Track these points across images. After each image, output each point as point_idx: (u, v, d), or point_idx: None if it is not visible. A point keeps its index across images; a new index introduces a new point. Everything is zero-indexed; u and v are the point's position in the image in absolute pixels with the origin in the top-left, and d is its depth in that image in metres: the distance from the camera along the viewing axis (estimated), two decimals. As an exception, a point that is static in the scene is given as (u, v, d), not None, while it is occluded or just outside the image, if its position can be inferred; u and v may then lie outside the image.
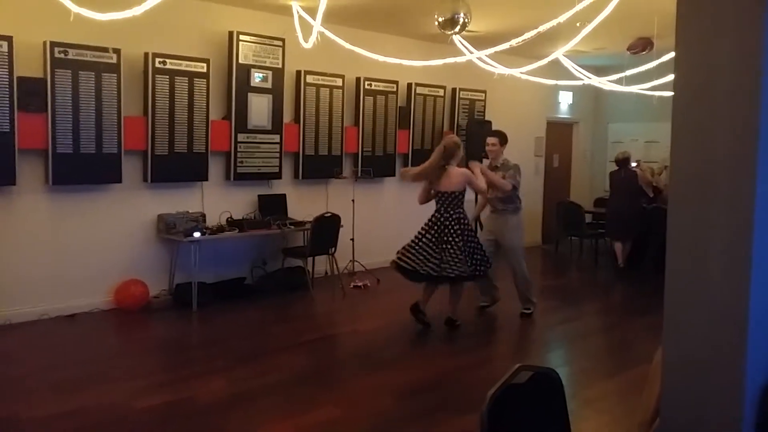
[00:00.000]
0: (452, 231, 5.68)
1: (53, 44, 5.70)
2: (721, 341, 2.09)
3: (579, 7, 5.16)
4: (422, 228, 5.82)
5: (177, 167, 6.55)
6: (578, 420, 3.95)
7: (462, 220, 5.73)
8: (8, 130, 5.54)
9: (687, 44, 2.20)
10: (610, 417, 4.20)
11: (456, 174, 5.70)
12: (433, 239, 5.71)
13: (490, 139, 6.51)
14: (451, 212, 5.71)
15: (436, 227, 5.73)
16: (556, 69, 8.61)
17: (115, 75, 6.02)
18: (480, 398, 1.95)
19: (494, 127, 9.16)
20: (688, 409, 2.19)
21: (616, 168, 9.18)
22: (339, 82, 7.79)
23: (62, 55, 5.76)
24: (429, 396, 4.46)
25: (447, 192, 5.72)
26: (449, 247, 5.65)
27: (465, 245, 5.69)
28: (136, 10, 4.48)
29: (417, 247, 5.75)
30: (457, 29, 5.93)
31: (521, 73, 7.48)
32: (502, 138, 6.54)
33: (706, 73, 2.13)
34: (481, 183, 5.90)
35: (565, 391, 2.22)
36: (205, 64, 6.60)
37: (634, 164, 9.26)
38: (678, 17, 2.20)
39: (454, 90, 9.23)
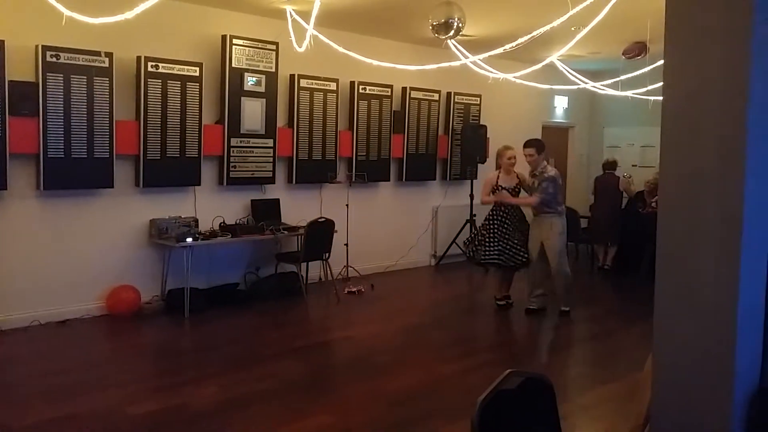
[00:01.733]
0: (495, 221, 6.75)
1: (45, 48, 5.67)
2: (710, 348, 2.08)
3: (573, 11, 5.16)
4: None
5: (169, 172, 6.52)
6: (572, 427, 3.93)
7: (500, 213, 6.70)
8: (0, 135, 5.51)
9: (676, 52, 2.20)
10: (604, 424, 4.17)
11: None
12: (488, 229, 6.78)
13: (526, 150, 6.59)
14: (494, 209, 6.78)
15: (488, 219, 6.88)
16: (551, 73, 8.62)
17: (107, 79, 5.99)
18: (474, 404, 1.92)
19: (489, 132, 9.22)
20: (678, 416, 2.17)
21: (602, 173, 9.45)
22: (333, 86, 7.77)
23: (54, 59, 5.73)
24: (423, 402, 4.43)
25: None
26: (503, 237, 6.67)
27: (505, 235, 6.66)
28: (128, 14, 4.46)
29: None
30: (451, 33, 5.91)
31: (516, 77, 7.48)
32: (539, 147, 6.60)
33: (694, 81, 2.13)
34: (483, 196, 6.85)
35: (560, 398, 2.20)
36: (197, 68, 6.58)
37: (626, 174, 9.44)
38: (666, 25, 2.20)
39: (449, 94, 9.21)
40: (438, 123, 9.14)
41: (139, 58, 6.25)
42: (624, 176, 9.38)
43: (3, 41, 5.44)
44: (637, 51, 7.66)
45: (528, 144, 6.68)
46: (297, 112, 7.50)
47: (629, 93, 8.45)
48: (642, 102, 8.49)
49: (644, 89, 8.03)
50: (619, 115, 11.22)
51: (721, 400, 2.07)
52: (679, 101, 2.17)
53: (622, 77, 8.06)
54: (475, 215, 9.03)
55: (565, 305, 6.72)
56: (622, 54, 7.80)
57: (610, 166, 9.39)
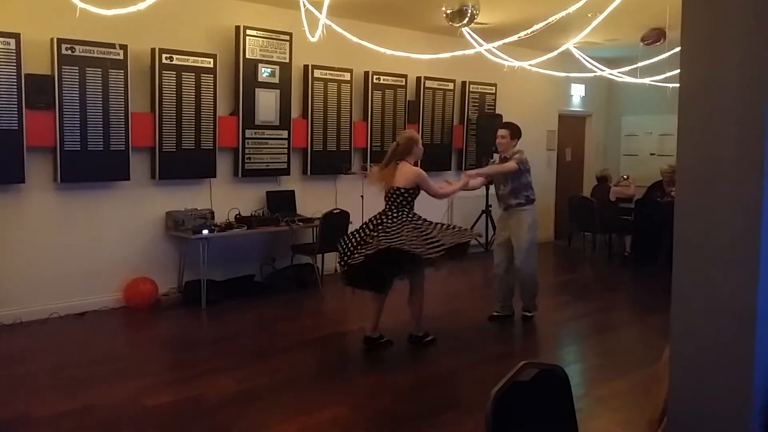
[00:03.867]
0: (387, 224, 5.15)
1: (60, 41, 5.70)
2: (728, 338, 2.04)
3: (589, -3, 5.08)
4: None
5: (185, 164, 6.54)
6: (590, 418, 3.89)
7: (402, 219, 5.16)
8: (16, 128, 5.55)
9: (692, 37, 2.15)
10: (622, 415, 4.13)
11: (405, 171, 5.21)
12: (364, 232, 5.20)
13: (500, 131, 6.23)
14: (395, 211, 5.19)
15: (372, 223, 5.25)
16: (567, 61, 8.52)
17: (122, 71, 6.01)
18: (488, 396, 1.90)
19: (505, 121, 9.13)
20: (696, 407, 2.14)
21: (597, 183, 10.09)
22: (347, 76, 7.74)
23: (69, 52, 5.76)
24: (437, 394, 4.42)
25: (393, 188, 5.20)
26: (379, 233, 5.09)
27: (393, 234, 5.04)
28: (141, 5, 4.46)
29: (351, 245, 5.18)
30: (465, 21, 5.85)
31: (531, 65, 7.39)
32: (513, 131, 6.16)
33: (712, 65, 2.08)
34: (433, 188, 5.40)
35: (577, 389, 2.19)
36: (212, 60, 6.58)
37: (625, 176, 9.99)
38: (683, 8, 2.15)
39: (463, 83, 9.15)
40: (453, 112, 9.08)
41: (153, 50, 6.26)
42: (623, 178, 9.85)
43: (19, 34, 5.47)
44: (656, 37, 7.54)
45: (503, 125, 6.28)
46: (311, 102, 7.49)
47: (647, 80, 8.32)
48: (660, 90, 8.36)
49: (662, 76, 7.92)
50: (637, 103, 11.08)
51: (739, 391, 2.04)
52: (697, 87, 2.13)
53: (640, 64, 7.94)
54: (491, 206, 8.99)
55: (526, 309, 6.14)
56: (640, 40, 7.68)
57: (603, 179, 9.95)
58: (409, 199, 5.24)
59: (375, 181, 5.40)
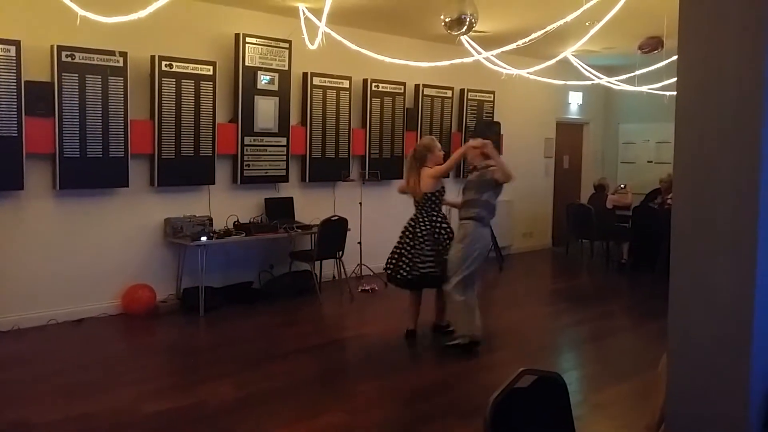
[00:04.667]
0: (422, 231, 5.56)
1: (60, 48, 5.71)
2: (726, 344, 2.05)
3: (587, 6, 5.11)
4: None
5: (184, 171, 6.55)
6: (588, 425, 3.90)
7: (432, 222, 5.58)
8: (16, 135, 5.55)
9: (689, 45, 2.17)
10: (620, 422, 4.14)
11: (425, 177, 5.55)
12: (406, 242, 5.63)
13: (475, 141, 5.71)
14: (424, 214, 5.61)
15: (408, 230, 5.67)
16: (565, 69, 8.57)
17: (122, 78, 6.03)
18: (487, 403, 1.91)
19: (503, 129, 9.17)
20: (693, 413, 2.15)
21: (594, 192, 10.01)
22: (346, 83, 7.77)
23: (69, 59, 5.77)
24: (437, 401, 4.42)
25: (423, 195, 5.59)
26: (418, 245, 5.54)
27: (429, 246, 5.52)
28: (142, 13, 4.48)
29: (395, 255, 5.69)
30: (463, 30, 5.87)
31: (529, 73, 7.43)
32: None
33: (708, 75, 2.10)
34: (441, 169, 5.61)
35: (575, 396, 2.20)
36: (211, 67, 6.60)
37: (622, 185, 10.06)
38: (681, 18, 2.17)
39: (462, 91, 9.19)
40: (451, 120, 9.11)
41: (153, 57, 6.28)
42: (621, 187, 9.87)
43: (19, 41, 5.49)
44: (653, 45, 7.58)
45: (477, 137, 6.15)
46: (310, 110, 7.51)
47: (644, 88, 8.37)
48: (658, 97, 8.41)
49: (660, 84, 7.96)
50: (634, 111, 11.13)
51: (736, 395, 2.04)
52: (693, 92, 2.14)
53: (638, 72, 7.99)
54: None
55: (453, 336, 5.50)
56: (638, 49, 7.72)
57: (601, 188, 9.90)
58: (437, 201, 5.66)
59: (405, 191, 5.80)
